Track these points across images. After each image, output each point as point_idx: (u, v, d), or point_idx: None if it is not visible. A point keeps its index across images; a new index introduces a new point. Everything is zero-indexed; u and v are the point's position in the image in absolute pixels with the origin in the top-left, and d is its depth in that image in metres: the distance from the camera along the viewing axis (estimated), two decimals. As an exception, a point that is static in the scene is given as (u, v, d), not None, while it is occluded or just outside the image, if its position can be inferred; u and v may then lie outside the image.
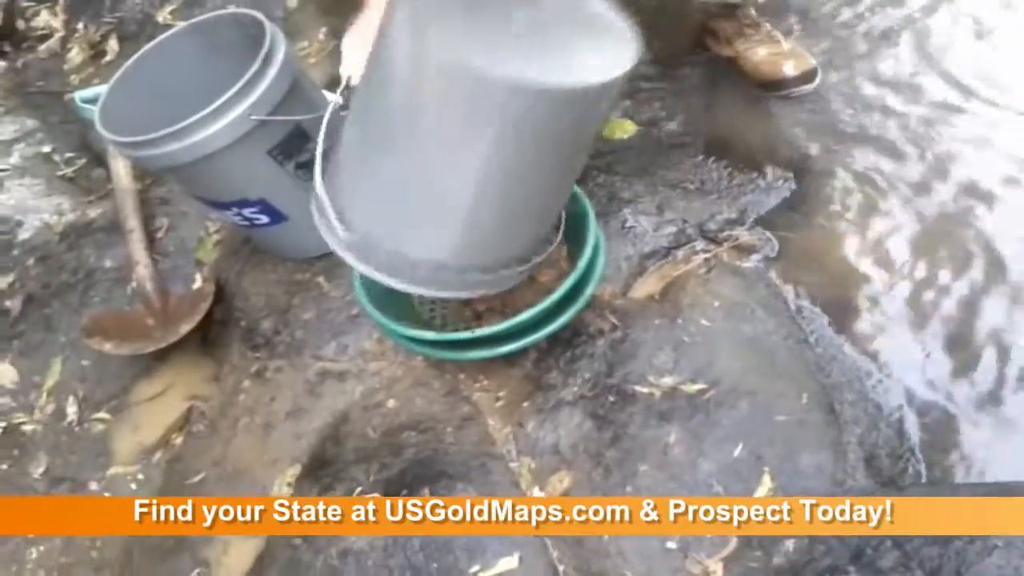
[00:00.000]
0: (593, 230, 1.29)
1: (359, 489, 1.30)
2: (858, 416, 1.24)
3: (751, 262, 1.44)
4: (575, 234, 1.35)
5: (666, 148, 1.64)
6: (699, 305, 1.38)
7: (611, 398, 1.30)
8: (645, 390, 1.29)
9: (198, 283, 1.70)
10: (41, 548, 1.49)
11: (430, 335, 1.27)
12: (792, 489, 1.15)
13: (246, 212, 1.46)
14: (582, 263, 1.25)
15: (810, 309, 1.38)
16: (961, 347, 1.30)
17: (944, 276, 1.37)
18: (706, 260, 1.45)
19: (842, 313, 1.37)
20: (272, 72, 1.32)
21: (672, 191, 1.56)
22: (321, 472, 1.36)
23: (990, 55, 1.68)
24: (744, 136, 1.62)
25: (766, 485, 1.16)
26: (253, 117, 1.30)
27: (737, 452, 1.19)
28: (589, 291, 1.29)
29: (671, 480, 1.19)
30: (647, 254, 1.49)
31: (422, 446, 1.33)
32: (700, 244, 1.48)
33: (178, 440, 1.55)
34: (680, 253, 1.48)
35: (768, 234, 1.48)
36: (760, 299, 1.38)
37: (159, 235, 1.79)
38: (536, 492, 1.26)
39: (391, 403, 1.41)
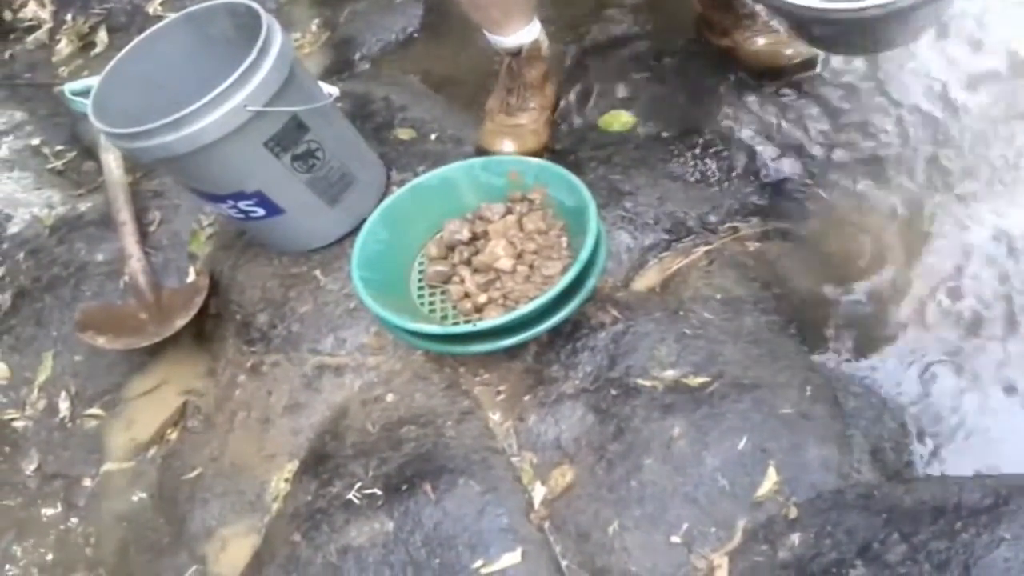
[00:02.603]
0: (594, 222, 1.28)
1: (358, 484, 1.29)
2: (862, 408, 1.23)
3: (752, 254, 1.43)
4: (576, 226, 1.34)
5: (665, 140, 1.63)
6: (701, 297, 1.37)
7: (613, 391, 1.28)
8: (648, 383, 1.27)
9: (192, 276, 1.69)
10: (32, 542, 1.47)
11: (431, 329, 1.26)
12: (799, 483, 1.14)
13: (242, 205, 1.44)
14: (584, 255, 1.24)
15: (812, 301, 1.36)
16: (967, 336, 1.29)
17: (947, 265, 1.36)
18: (707, 252, 1.44)
19: (845, 304, 1.36)
20: (268, 62, 1.30)
21: (673, 183, 1.55)
22: (320, 467, 1.35)
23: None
24: (744, 127, 1.60)
25: (772, 479, 1.15)
26: (249, 108, 1.28)
27: (742, 445, 1.18)
28: (591, 283, 1.28)
29: (676, 474, 1.18)
30: (648, 246, 1.48)
31: (422, 440, 1.32)
32: (701, 236, 1.47)
33: (173, 436, 1.53)
34: (681, 245, 1.47)
35: (769, 226, 1.47)
36: (762, 291, 1.37)
37: (152, 228, 1.77)
38: (538, 487, 1.25)
39: (390, 397, 1.40)
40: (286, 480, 1.39)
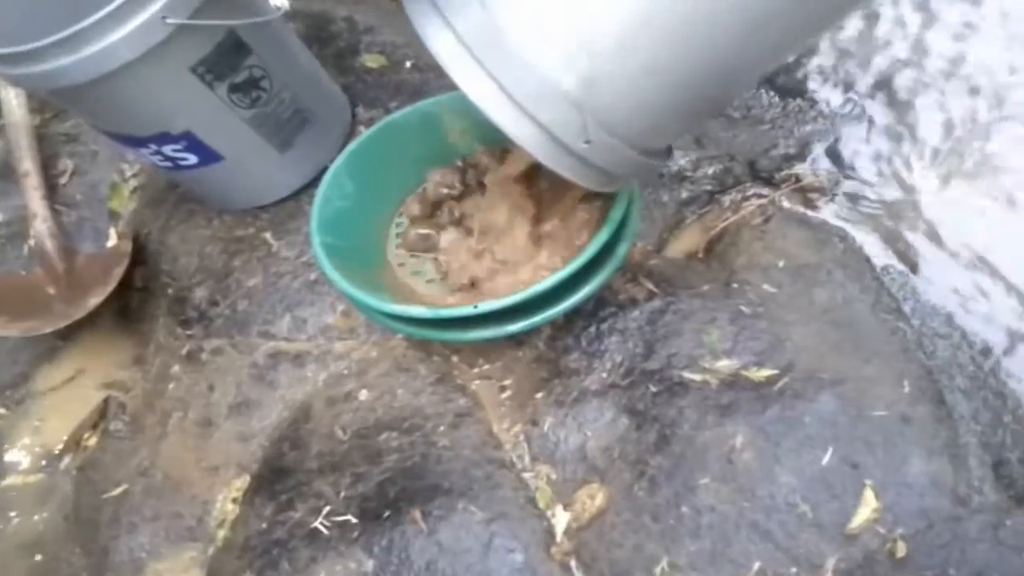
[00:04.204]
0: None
1: (327, 508, 1.04)
2: (976, 409, 0.99)
3: (821, 209, 1.17)
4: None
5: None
6: (757, 265, 1.11)
7: (652, 387, 1.03)
8: (697, 377, 1.02)
9: (112, 240, 1.46)
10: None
11: (418, 312, 0.98)
12: (904, 509, 0.90)
13: (167, 150, 1.18)
14: (616, 214, 0.97)
15: (901, 269, 1.11)
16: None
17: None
18: (761, 207, 1.17)
19: (945, 273, 1.10)
20: (194, -41, 1.02)
21: (713, 121, 1.29)
22: (277, 485, 1.10)
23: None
24: (803, 51, 1.33)
25: (869, 504, 0.90)
26: (169, 20, 1.01)
27: (826, 459, 0.93)
28: (623, 250, 1.01)
29: (741, 496, 0.93)
30: (685, 200, 1.22)
31: (407, 451, 1.08)
32: (752, 187, 1.21)
33: (91, 441, 1.29)
34: (727, 199, 1.21)
35: (839, 173, 1.20)
36: (836, 257, 1.11)
37: (62, 180, 1.52)
38: (560, 512, 1.00)
39: (364, 394, 1.15)
40: (234, 500, 1.14)
